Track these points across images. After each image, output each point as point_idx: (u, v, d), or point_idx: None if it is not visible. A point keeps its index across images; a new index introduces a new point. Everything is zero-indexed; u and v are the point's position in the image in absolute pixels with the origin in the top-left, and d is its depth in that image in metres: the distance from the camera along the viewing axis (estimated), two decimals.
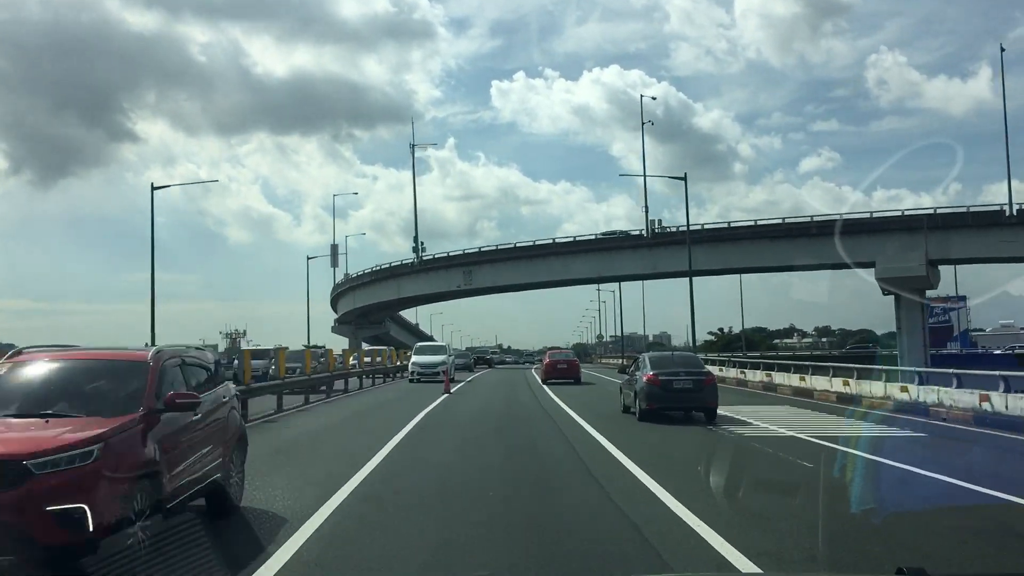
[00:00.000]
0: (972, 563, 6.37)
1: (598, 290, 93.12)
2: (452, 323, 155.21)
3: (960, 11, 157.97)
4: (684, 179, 41.13)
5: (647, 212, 59.57)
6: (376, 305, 78.55)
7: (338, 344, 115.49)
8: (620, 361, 59.17)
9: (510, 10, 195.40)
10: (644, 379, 17.38)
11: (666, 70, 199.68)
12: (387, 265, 74.71)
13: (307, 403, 22.82)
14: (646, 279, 65.79)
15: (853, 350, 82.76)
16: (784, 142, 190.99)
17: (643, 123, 61.13)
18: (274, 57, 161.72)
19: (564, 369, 37.21)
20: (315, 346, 36.04)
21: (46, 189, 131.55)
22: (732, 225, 56.48)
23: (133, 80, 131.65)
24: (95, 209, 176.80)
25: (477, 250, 67.41)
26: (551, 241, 63.40)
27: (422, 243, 71.23)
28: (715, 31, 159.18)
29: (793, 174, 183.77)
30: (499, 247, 66.16)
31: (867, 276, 58.21)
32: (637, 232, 59.72)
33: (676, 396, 17.31)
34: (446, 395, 26.35)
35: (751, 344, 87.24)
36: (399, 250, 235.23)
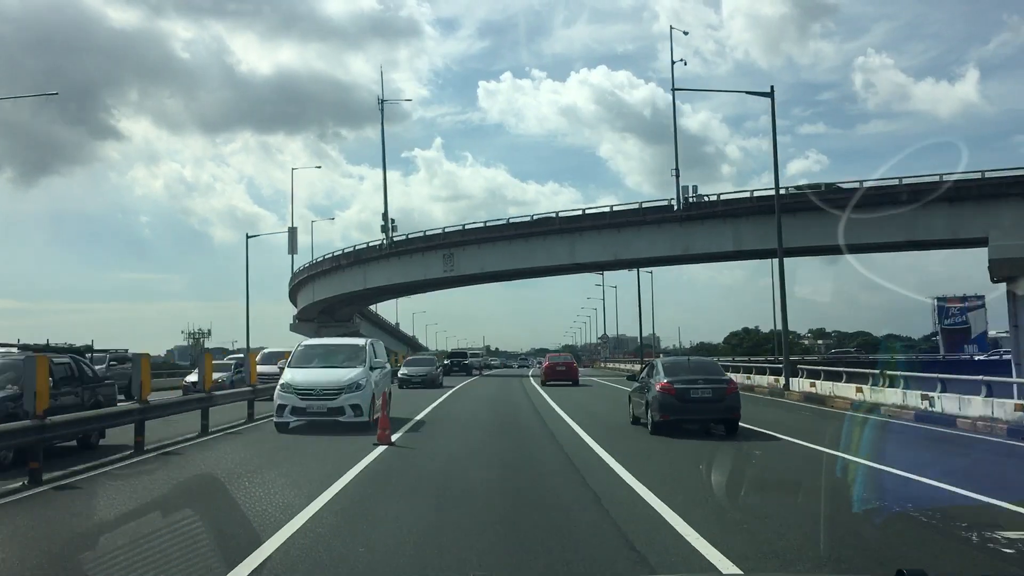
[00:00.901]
0: None
1: (600, 285, 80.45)
2: (436, 323, 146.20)
3: (946, 15, 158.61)
4: (771, 95, 27.89)
5: (678, 177, 46.69)
6: (340, 298, 65.30)
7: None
8: (638, 367, 46.01)
9: (499, 11, 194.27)
10: (657, 387, 15.22)
11: (654, 71, 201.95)
12: (350, 249, 61.51)
13: (29, 487, 9.78)
14: (675, 263, 52.72)
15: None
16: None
17: (673, 62, 48.33)
18: (258, 55, 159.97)
19: (563, 371, 39.72)
20: (73, 349, 22.08)
21: (28, 187, 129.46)
22: (792, 191, 43.54)
23: (116, 77, 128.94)
24: (78, 207, 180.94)
25: (460, 228, 54.32)
26: (553, 215, 50.38)
27: (393, 221, 58.02)
28: (703, 32, 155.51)
29: (781, 177, 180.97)
30: (487, 224, 53.04)
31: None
32: (665, 203, 46.80)
33: (693, 407, 15.19)
34: (380, 450, 13.20)
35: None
36: None
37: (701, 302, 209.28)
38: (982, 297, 70.18)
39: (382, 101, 61.39)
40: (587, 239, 49.16)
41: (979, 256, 40.41)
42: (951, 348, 66.48)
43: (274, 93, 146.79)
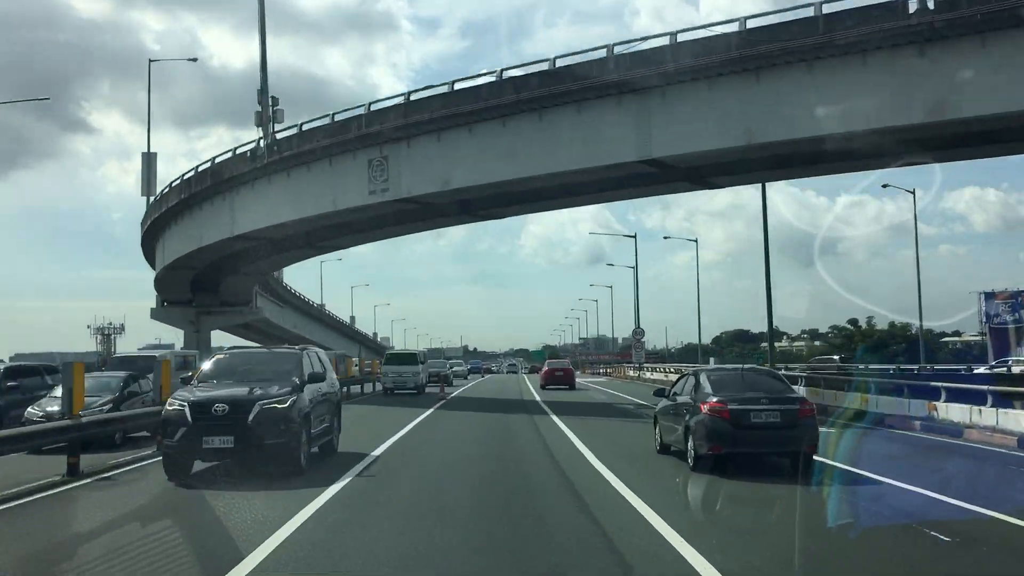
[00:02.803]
0: None
1: (631, 257, 52.60)
2: (404, 319, 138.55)
3: None
4: None
5: None
6: (206, 259, 37.31)
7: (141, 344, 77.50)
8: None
9: (480, 11, 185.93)
10: (704, 409, 11.40)
11: None
12: (207, 164, 33.45)
13: None
14: (910, 158, 23.37)
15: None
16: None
17: None
18: (231, 48, 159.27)
19: (561, 376, 39.53)
20: None
21: None
22: None
23: (85, 69, 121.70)
24: (49, 203, 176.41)
25: (402, 100, 26.46)
26: (602, 53, 22.70)
27: (276, 102, 30.13)
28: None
29: None
30: (455, 87, 25.24)
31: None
32: None
33: (754, 436, 11.23)
34: None
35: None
36: (362, 251, 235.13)
37: (681, 303, 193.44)
38: None
39: None
40: (677, 103, 21.70)
41: None
42: (1001, 350, 55.26)
43: (248, 88, 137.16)
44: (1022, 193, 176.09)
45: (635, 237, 56.21)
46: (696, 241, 61.75)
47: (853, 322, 62.26)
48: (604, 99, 22.62)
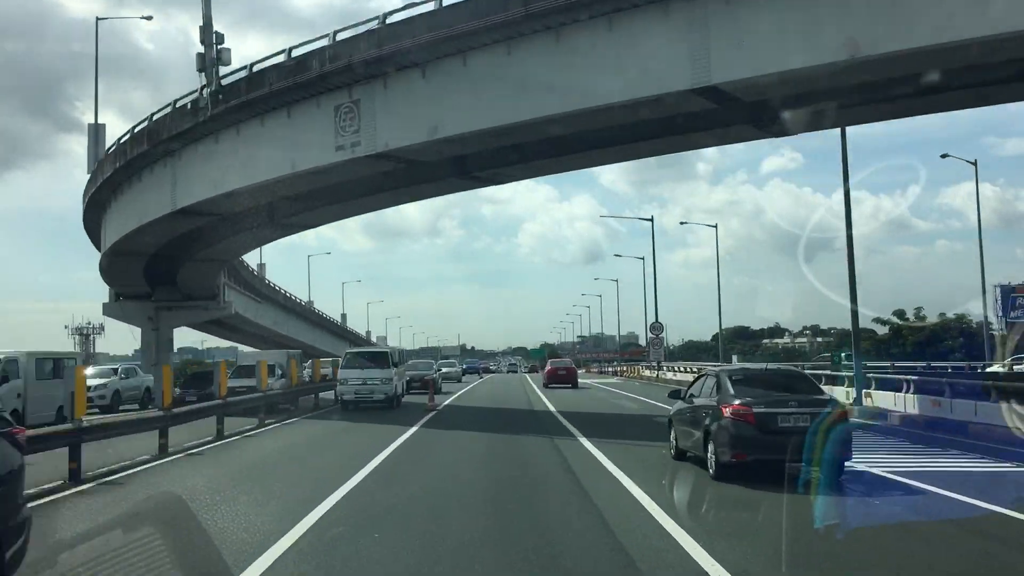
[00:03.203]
0: None
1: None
2: (400, 318, 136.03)
3: None
4: None
5: None
6: (152, 239, 31.31)
7: (123, 345, 70.87)
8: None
9: None
10: (727, 412, 10.60)
11: None
12: (144, 123, 27.41)
13: None
14: None
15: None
16: (746, 142, 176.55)
17: None
18: (227, 47, 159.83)
19: (563, 375, 41.17)
20: None
21: None
22: None
23: (79, 68, 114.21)
24: (43, 203, 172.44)
25: (377, 25, 20.45)
26: None
27: (219, 37, 24.13)
28: None
29: (755, 175, 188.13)
30: (442, 3, 19.26)
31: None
32: None
33: (781, 441, 10.20)
34: None
35: None
36: (360, 248, 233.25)
37: (680, 301, 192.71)
38: None
39: None
40: (746, 7, 15.83)
41: None
42: (1019, 346, 50.48)
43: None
44: (1018, 189, 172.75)
45: (652, 220, 50.58)
46: (716, 227, 55.64)
47: (899, 314, 56.75)
48: (644, 8, 16.73)
